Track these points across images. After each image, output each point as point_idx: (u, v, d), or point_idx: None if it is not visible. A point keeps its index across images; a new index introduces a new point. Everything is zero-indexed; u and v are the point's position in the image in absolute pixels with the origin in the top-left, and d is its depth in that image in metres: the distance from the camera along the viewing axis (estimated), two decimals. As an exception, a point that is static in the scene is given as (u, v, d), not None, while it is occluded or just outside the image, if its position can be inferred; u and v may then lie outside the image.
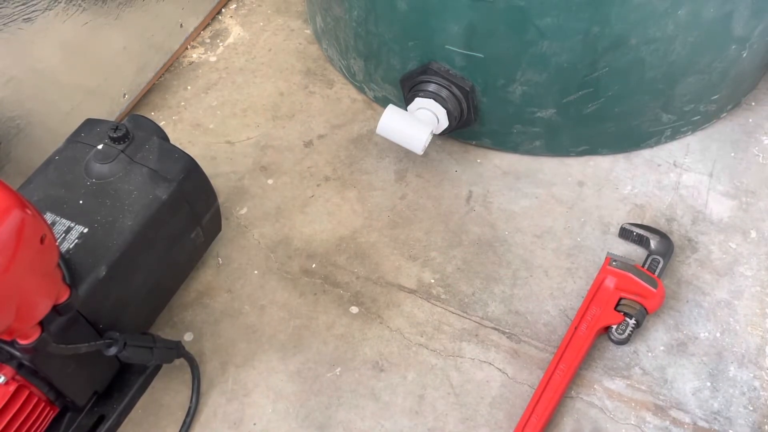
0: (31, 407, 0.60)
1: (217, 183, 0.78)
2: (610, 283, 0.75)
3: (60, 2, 0.81)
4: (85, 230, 0.63)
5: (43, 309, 0.53)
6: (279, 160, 0.92)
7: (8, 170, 0.80)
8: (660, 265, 0.77)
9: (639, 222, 0.83)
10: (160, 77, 1.03)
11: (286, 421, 0.70)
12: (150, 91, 1.01)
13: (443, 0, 0.76)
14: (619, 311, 0.73)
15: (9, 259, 0.46)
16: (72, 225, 0.64)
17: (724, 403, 0.70)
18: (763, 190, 0.86)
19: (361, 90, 0.99)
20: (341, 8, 0.90)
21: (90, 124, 0.72)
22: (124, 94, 0.96)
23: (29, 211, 0.47)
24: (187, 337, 0.76)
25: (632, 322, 0.73)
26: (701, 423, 0.69)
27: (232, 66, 1.04)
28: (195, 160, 0.71)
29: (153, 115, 0.98)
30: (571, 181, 0.88)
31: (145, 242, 0.66)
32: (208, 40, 1.08)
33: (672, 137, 0.91)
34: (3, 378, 0.57)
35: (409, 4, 0.79)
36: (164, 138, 0.76)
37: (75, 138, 0.71)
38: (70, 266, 0.61)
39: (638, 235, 0.80)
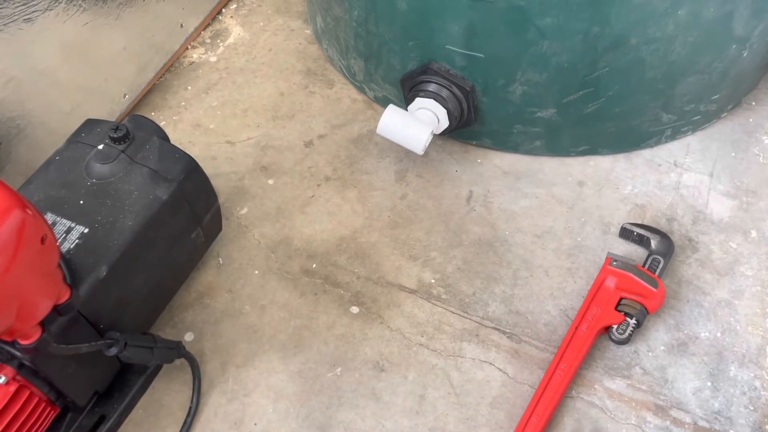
0: (31, 407, 0.60)
1: (217, 183, 0.78)
2: (610, 282, 0.75)
3: (60, 2, 0.81)
4: (86, 230, 0.63)
5: (44, 309, 0.53)
6: (279, 160, 0.92)
7: (9, 170, 0.80)
8: (660, 265, 0.77)
9: (639, 222, 0.83)
10: (161, 77, 1.03)
11: (287, 421, 0.70)
12: (150, 92, 1.01)
13: (443, 0, 0.76)
14: (619, 311, 0.73)
15: (10, 260, 0.46)
16: (72, 225, 0.64)
17: (725, 403, 0.70)
18: (763, 189, 0.86)
19: (361, 90, 0.99)
20: (341, 8, 0.90)
21: (90, 124, 0.72)
22: (125, 95, 0.96)
23: (30, 212, 0.47)
24: (188, 337, 0.76)
25: (633, 321, 0.73)
26: (702, 423, 0.69)
27: (232, 66, 1.04)
28: (195, 160, 0.71)
29: (153, 116, 0.98)
30: (572, 181, 0.88)
31: (146, 242, 0.66)
32: (208, 41, 1.08)
33: (672, 137, 0.91)
34: (4, 378, 0.57)
35: (410, 4, 0.79)
36: (164, 138, 0.76)
37: (75, 138, 0.71)
38: (71, 266, 0.61)
39: (639, 234, 0.80)
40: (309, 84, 1.01)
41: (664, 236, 0.80)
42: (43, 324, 0.55)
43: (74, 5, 0.83)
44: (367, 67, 0.93)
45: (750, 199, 0.85)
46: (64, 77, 0.86)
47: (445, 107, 0.82)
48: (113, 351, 0.63)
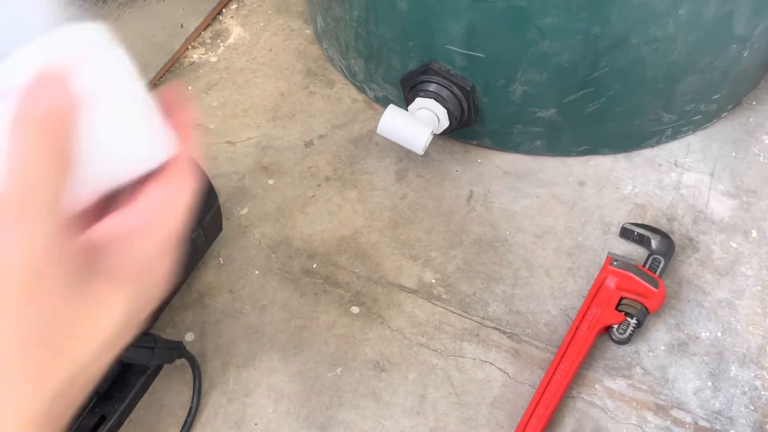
0: (32, 407, 0.60)
1: (217, 183, 0.78)
2: (611, 282, 0.75)
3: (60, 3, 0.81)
4: (86, 230, 0.63)
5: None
6: (280, 160, 0.92)
7: (9, 171, 0.80)
8: (661, 265, 0.77)
9: (640, 222, 0.83)
10: (161, 77, 1.03)
11: (287, 421, 0.70)
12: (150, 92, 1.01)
13: (443, 0, 0.76)
14: (620, 311, 0.73)
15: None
16: (73, 225, 0.63)
17: (726, 403, 0.70)
18: (764, 189, 0.86)
19: (361, 90, 0.99)
20: (342, 8, 0.90)
21: (91, 124, 0.72)
22: (125, 95, 0.96)
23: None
24: (188, 337, 0.76)
25: (633, 321, 0.73)
26: (702, 423, 0.69)
27: (232, 66, 1.04)
28: (195, 160, 0.71)
29: (154, 116, 0.98)
30: (572, 180, 0.88)
31: (146, 242, 0.66)
32: (208, 41, 1.08)
33: (673, 137, 0.91)
34: (4, 378, 0.57)
35: (410, 4, 0.79)
36: (165, 138, 0.76)
37: (76, 138, 0.71)
38: (72, 266, 0.61)
39: (639, 234, 0.80)
40: (309, 84, 1.01)
41: (664, 236, 0.80)
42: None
43: (74, 5, 0.83)
44: (368, 67, 0.93)
45: (750, 198, 0.85)
46: (65, 77, 0.86)
47: (445, 107, 0.83)
48: (114, 351, 0.63)
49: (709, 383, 0.71)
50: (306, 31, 1.09)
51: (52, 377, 0.23)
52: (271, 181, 0.90)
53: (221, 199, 0.80)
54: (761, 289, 0.78)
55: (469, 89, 0.82)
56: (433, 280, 0.80)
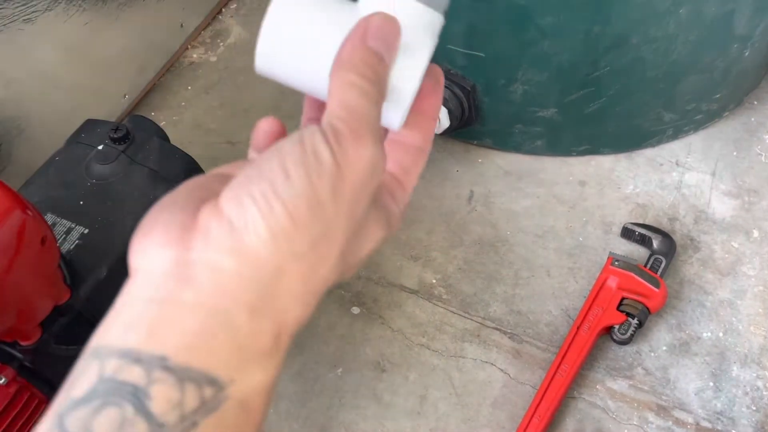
0: (32, 409, 0.60)
1: (217, 183, 0.77)
2: (612, 282, 0.75)
3: (60, 3, 0.81)
4: (86, 231, 0.63)
5: (45, 310, 0.53)
6: (280, 160, 0.92)
7: (9, 171, 0.80)
8: (662, 265, 0.77)
9: (641, 221, 0.82)
10: (161, 77, 1.03)
11: (288, 422, 0.70)
12: (150, 92, 1.01)
13: (444, -1, 0.75)
14: (621, 311, 0.73)
15: (10, 261, 0.46)
16: (73, 226, 0.63)
17: (727, 403, 0.70)
18: (765, 189, 0.86)
19: (361, 90, 0.99)
20: (342, 8, 0.90)
21: (90, 124, 0.72)
22: (125, 95, 0.96)
23: (30, 213, 0.47)
24: (189, 337, 0.76)
25: (635, 322, 0.72)
26: (704, 423, 0.69)
27: (232, 66, 1.04)
28: (196, 160, 0.71)
29: (153, 116, 0.98)
30: (573, 180, 0.88)
31: (146, 243, 0.66)
32: (208, 40, 1.08)
33: (674, 136, 0.90)
34: (4, 379, 0.57)
35: (410, 4, 0.79)
36: (165, 138, 0.76)
37: (75, 139, 0.71)
38: (71, 267, 0.61)
39: (640, 234, 0.80)
40: (309, 84, 1.01)
41: (665, 236, 0.79)
42: (44, 325, 0.55)
43: (74, 5, 0.83)
44: (368, 66, 0.93)
45: (752, 198, 0.85)
46: (64, 78, 0.86)
47: (446, 107, 0.82)
48: (114, 352, 0.62)
49: (711, 383, 0.71)
50: (306, 30, 1.09)
51: (334, 272, 0.28)
52: (271, 181, 0.90)
53: (221, 200, 0.80)
54: (763, 289, 0.77)
55: (469, 89, 0.82)
56: (434, 281, 0.80)
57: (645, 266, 0.77)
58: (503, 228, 0.84)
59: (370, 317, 0.77)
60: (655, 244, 0.79)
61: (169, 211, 0.26)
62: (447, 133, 0.87)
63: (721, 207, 0.84)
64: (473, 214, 0.86)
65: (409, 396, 0.71)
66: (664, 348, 0.74)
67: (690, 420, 0.69)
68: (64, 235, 0.63)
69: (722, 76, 0.84)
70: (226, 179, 0.28)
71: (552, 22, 0.73)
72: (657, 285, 0.73)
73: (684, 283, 0.78)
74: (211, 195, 0.27)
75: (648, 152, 0.90)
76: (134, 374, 0.23)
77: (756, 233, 0.82)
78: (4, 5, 0.75)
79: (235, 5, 1.13)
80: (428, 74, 0.33)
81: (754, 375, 0.71)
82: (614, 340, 0.73)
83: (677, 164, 0.89)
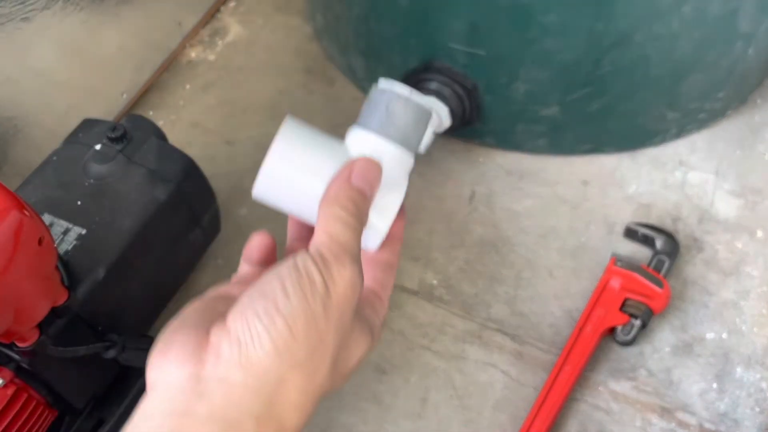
0: (29, 410, 0.59)
1: (216, 183, 0.77)
2: (615, 283, 0.74)
3: (57, 1, 0.80)
4: (84, 231, 0.63)
5: (42, 311, 0.53)
6: (279, 159, 0.91)
7: (6, 171, 0.80)
8: (666, 265, 0.76)
9: (644, 221, 0.82)
10: (159, 76, 1.02)
11: (288, 424, 0.69)
12: (148, 91, 1.00)
13: (445, -3, 0.75)
14: (624, 312, 0.72)
15: (7, 262, 0.45)
16: (70, 226, 0.63)
17: (731, 405, 0.69)
18: (769, 188, 0.85)
19: (361, 88, 0.98)
20: (342, 5, 0.89)
21: (88, 124, 0.72)
22: (123, 94, 0.95)
23: (27, 213, 0.47)
24: (188, 339, 0.76)
25: (638, 323, 0.72)
26: (708, 425, 0.68)
27: (231, 64, 1.04)
28: (194, 160, 0.71)
29: (151, 115, 0.97)
30: (576, 180, 0.87)
31: (144, 243, 0.65)
32: (206, 39, 1.07)
33: (677, 135, 0.90)
34: (1, 381, 0.57)
35: (411, 1, 0.78)
36: (163, 138, 0.75)
37: (73, 138, 0.70)
38: (69, 268, 0.60)
39: (643, 234, 0.79)
40: (309, 82, 1.00)
41: (669, 236, 0.79)
42: (41, 326, 0.55)
43: (71, 4, 0.82)
44: (368, 65, 0.92)
45: (756, 198, 0.85)
46: (62, 77, 0.85)
47: (447, 105, 0.82)
48: (112, 353, 0.62)
49: (715, 385, 0.71)
50: (305, 28, 1.08)
51: (327, 380, 0.32)
52: (270, 181, 0.89)
53: (220, 200, 0.79)
54: (767, 290, 0.77)
55: (471, 87, 0.81)
56: (435, 281, 0.79)
57: (648, 266, 0.76)
58: (505, 228, 0.83)
59: (371, 318, 0.77)
60: (659, 244, 0.78)
61: (183, 332, 0.30)
62: (448, 133, 0.86)
63: (725, 207, 0.84)
64: (474, 214, 0.85)
65: (410, 398, 0.71)
66: (668, 349, 0.73)
67: (693, 422, 0.68)
68: (61, 236, 0.62)
69: (726, 75, 0.83)
70: (227, 300, 0.33)
71: (554, 19, 0.72)
72: (660, 285, 0.73)
73: (687, 284, 0.77)
74: (218, 316, 0.31)
75: (651, 151, 0.90)
76: None
77: (760, 233, 0.82)
78: (2, 4, 0.74)
79: (233, 3, 1.13)
80: None
81: (758, 376, 0.71)
82: (617, 342, 0.72)
83: (680, 163, 0.88)
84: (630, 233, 0.81)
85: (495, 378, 0.72)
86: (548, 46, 0.75)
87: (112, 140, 0.68)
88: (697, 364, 0.72)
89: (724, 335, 0.74)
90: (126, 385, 0.70)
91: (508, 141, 0.89)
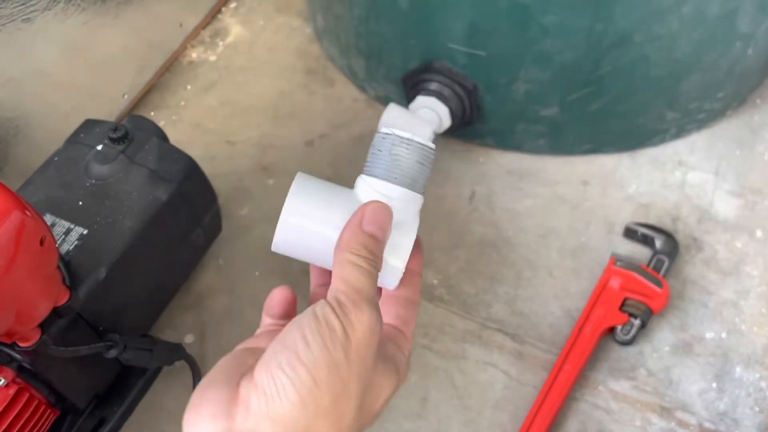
0: (31, 410, 0.59)
1: (217, 183, 0.77)
2: (614, 283, 0.74)
3: (59, 2, 0.80)
4: (85, 231, 0.63)
5: (43, 311, 0.53)
6: (280, 160, 0.92)
7: (7, 171, 0.80)
8: (665, 265, 0.76)
9: (644, 221, 0.82)
10: (160, 77, 1.02)
11: (289, 424, 0.69)
12: (149, 91, 1.01)
13: (445, -2, 0.75)
14: (624, 312, 0.73)
15: (9, 262, 0.45)
16: (72, 226, 0.63)
17: (731, 405, 0.69)
18: (768, 188, 0.85)
19: (362, 89, 0.99)
20: (342, 6, 0.89)
21: (89, 124, 0.72)
22: (124, 94, 0.95)
23: (29, 213, 0.47)
24: (188, 339, 0.76)
25: (637, 322, 0.72)
26: (707, 425, 0.68)
27: (232, 65, 1.04)
28: (195, 160, 0.71)
29: (153, 115, 0.98)
30: (576, 180, 0.88)
31: (145, 244, 0.65)
32: (208, 40, 1.08)
33: (677, 135, 0.90)
34: (3, 381, 0.57)
35: (411, 2, 0.78)
36: (164, 138, 0.75)
37: (74, 139, 0.70)
38: (70, 268, 0.60)
39: (643, 234, 0.80)
40: (309, 83, 1.01)
41: (668, 236, 0.79)
42: (43, 326, 0.55)
43: (73, 5, 0.82)
44: (369, 65, 0.93)
45: (755, 198, 0.85)
46: (63, 77, 0.85)
47: (447, 106, 0.82)
48: (113, 353, 0.62)
49: (714, 385, 0.71)
50: (306, 29, 1.08)
51: (353, 426, 0.33)
52: (271, 181, 0.89)
53: (221, 200, 0.80)
54: (766, 290, 0.77)
55: (471, 88, 0.81)
56: (435, 281, 0.80)
57: (648, 266, 0.76)
58: (505, 228, 0.84)
59: (371, 318, 0.77)
60: (658, 244, 0.78)
61: (214, 387, 0.32)
62: (448, 133, 0.87)
63: (725, 206, 0.84)
64: (475, 214, 0.85)
65: (411, 398, 0.71)
66: (667, 349, 0.73)
67: (693, 421, 0.68)
68: (63, 236, 0.62)
69: (725, 75, 0.83)
70: (255, 352, 0.34)
71: (554, 20, 0.73)
72: (660, 285, 0.73)
73: (687, 284, 0.78)
74: (246, 369, 0.33)
75: (651, 151, 0.90)
76: None
77: (759, 233, 0.82)
78: (3, 5, 0.74)
79: (234, 4, 1.13)
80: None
81: (758, 376, 0.71)
82: (617, 341, 0.73)
83: (680, 163, 0.88)
84: (629, 233, 0.81)
85: (495, 377, 0.72)
86: (548, 47, 0.75)
87: (114, 141, 0.68)
88: (697, 364, 0.72)
89: (724, 335, 0.74)
90: (127, 385, 0.70)
91: (508, 141, 0.89)
